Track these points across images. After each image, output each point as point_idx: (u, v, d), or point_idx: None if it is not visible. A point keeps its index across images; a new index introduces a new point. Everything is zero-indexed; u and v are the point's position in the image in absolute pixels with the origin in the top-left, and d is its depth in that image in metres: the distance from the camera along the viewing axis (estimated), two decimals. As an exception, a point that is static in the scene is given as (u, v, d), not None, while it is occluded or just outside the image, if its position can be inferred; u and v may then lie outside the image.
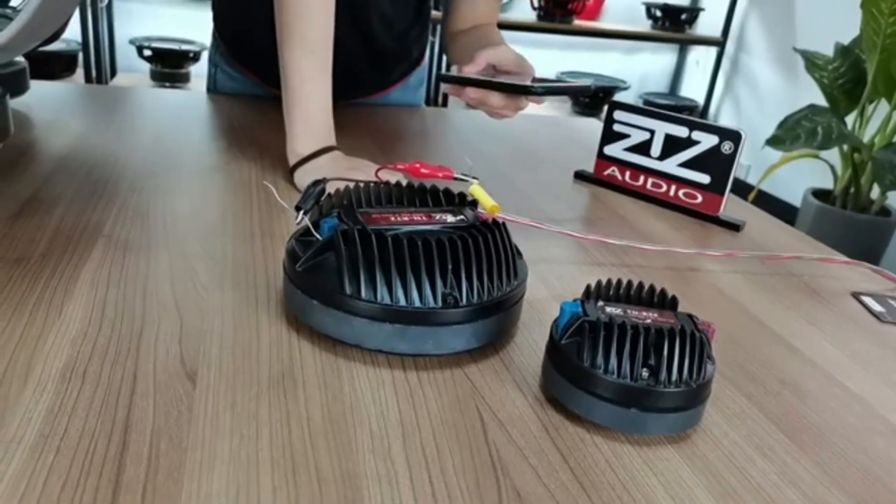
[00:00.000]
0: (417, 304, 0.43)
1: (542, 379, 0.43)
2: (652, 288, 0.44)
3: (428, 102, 2.95)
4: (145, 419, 0.36)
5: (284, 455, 0.35)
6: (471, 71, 0.75)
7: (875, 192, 2.03)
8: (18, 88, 0.88)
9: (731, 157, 0.75)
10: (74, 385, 0.38)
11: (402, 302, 0.42)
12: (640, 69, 3.30)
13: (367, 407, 0.39)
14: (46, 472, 0.32)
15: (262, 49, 0.78)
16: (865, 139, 2.01)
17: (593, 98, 3.00)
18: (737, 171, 0.76)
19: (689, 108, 3.16)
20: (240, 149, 0.82)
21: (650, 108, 0.81)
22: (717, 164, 0.76)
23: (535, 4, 2.87)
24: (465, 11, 0.93)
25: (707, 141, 0.76)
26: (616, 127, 0.82)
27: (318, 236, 0.45)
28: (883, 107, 2.01)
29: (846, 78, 2.06)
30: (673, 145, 0.78)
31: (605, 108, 0.84)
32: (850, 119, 2.06)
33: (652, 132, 0.80)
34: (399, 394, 0.41)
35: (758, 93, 2.91)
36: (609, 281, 0.45)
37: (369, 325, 0.43)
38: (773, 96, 2.74)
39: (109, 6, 2.74)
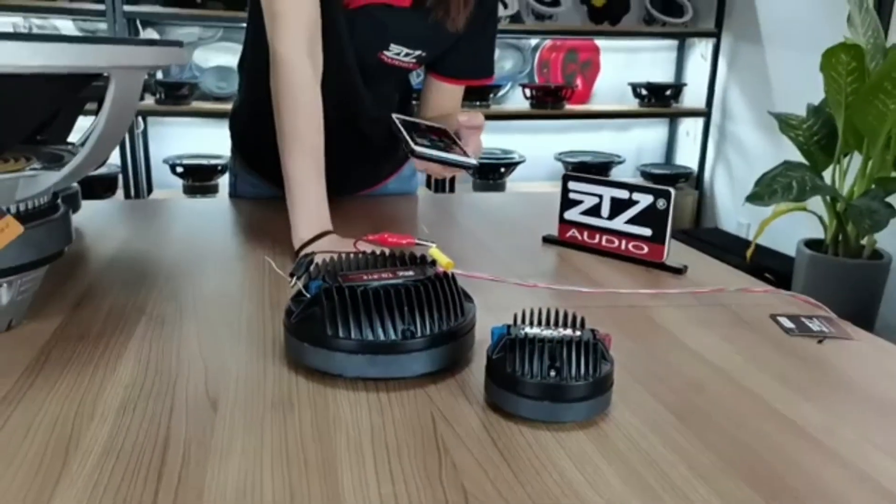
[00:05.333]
0: (382, 337, 0.55)
1: (485, 391, 0.55)
2: (566, 313, 0.57)
3: (432, 187, 3.14)
4: (179, 432, 0.49)
5: (281, 451, 0.47)
6: (462, 119, 0.92)
7: (865, 238, 2.12)
8: (73, 207, 1.06)
9: (666, 212, 0.88)
10: (127, 416, 0.51)
11: (371, 337, 0.55)
12: (635, 143, 3.49)
13: (346, 417, 0.52)
14: (111, 470, 0.45)
15: (273, 159, 0.94)
16: (846, 189, 2.13)
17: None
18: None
19: (684, 175, 3.32)
20: (256, 241, 0.97)
21: (595, 176, 0.95)
22: (655, 218, 0.89)
23: (528, 94, 3.11)
24: (432, 101, 1.10)
25: (644, 200, 0.89)
26: (571, 195, 0.96)
27: (307, 295, 0.59)
28: (857, 158, 2.14)
29: (821, 135, 2.20)
30: (618, 206, 0.92)
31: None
32: (829, 172, 2.19)
33: (600, 197, 0.94)
34: (371, 407, 0.53)
35: (746, 155, 3.06)
36: (532, 310, 0.57)
37: (347, 358, 0.56)
38: (760, 157, 2.89)
39: (145, 131, 3.04)
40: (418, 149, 0.84)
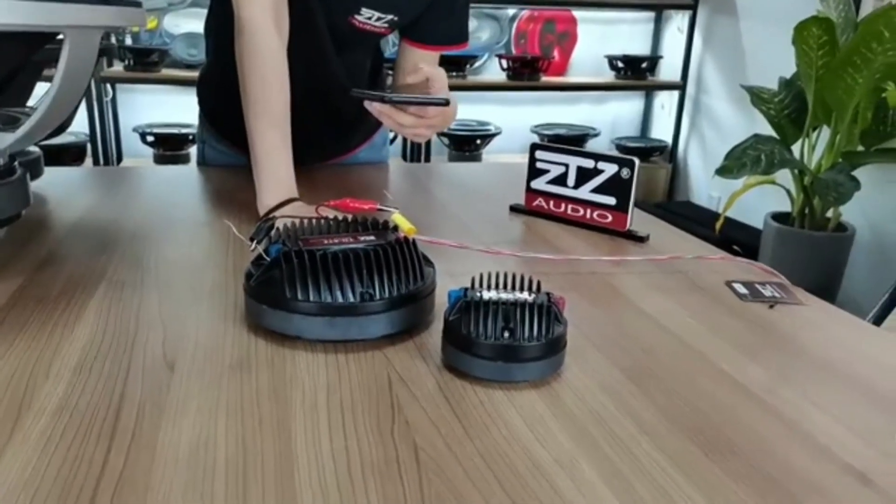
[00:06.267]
0: (341, 300, 0.56)
1: (441, 353, 0.56)
2: (522, 277, 0.57)
3: (407, 158, 3.13)
4: (135, 392, 0.49)
5: (236, 409, 0.48)
6: (411, 80, 0.95)
7: (831, 211, 2.17)
8: (34, 173, 1.04)
9: (630, 181, 0.89)
10: (83, 375, 0.51)
11: (329, 299, 0.56)
12: (611, 116, 3.50)
13: (303, 376, 0.52)
14: (63, 427, 0.45)
15: (241, 125, 0.93)
16: (814, 163, 2.16)
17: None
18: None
19: (659, 148, 3.34)
20: (223, 208, 0.97)
21: (562, 145, 0.95)
22: (619, 187, 0.90)
23: (504, 65, 3.09)
24: (407, 68, 1.09)
25: (609, 169, 0.90)
26: (538, 164, 0.97)
27: (267, 258, 0.59)
28: (826, 132, 2.17)
29: (791, 108, 2.23)
30: (584, 175, 0.93)
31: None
32: (798, 145, 2.22)
33: (566, 166, 0.94)
34: (329, 367, 0.54)
35: (719, 128, 3.09)
36: (490, 274, 0.58)
37: (306, 320, 0.56)
38: (732, 130, 2.92)
39: (114, 99, 2.97)
40: (389, 94, 0.87)
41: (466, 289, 0.56)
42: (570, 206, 0.95)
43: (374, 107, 0.89)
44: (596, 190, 0.92)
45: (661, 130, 3.44)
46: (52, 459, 0.42)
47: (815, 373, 0.57)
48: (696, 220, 2.75)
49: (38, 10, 0.54)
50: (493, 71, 3.23)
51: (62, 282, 0.69)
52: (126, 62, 2.79)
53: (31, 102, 0.96)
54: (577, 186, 0.94)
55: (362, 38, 1.05)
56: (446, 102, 0.87)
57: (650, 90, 3.48)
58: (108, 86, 2.90)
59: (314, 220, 0.65)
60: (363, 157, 1.28)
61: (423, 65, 0.96)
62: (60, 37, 0.62)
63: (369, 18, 1.02)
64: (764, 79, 2.45)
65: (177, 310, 0.63)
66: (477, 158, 3.14)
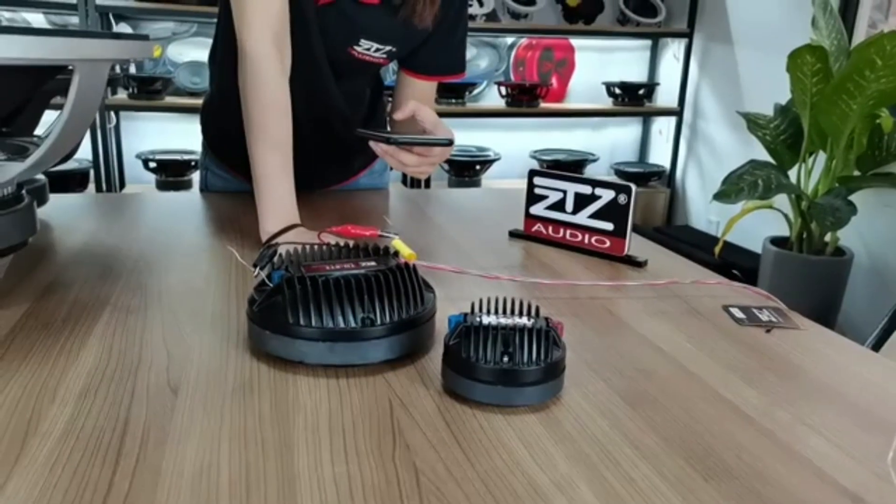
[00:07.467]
0: (342, 325, 0.57)
1: (441, 377, 0.57)
2: (521, 302, 0.58)
3: (407, 184, 3.15)
4: (139, 416, 0.50)
5: (239, 433, 0.48)
6: (398, 116, 0.94)
7: (829, 235, 2.18)
8: (39, 201, 1.06)
9: (627, 207, 0.90)
10: (88, 400, 0.52)
11: (331, 324, 0.57)
12: (609, 142, 3.54)
13: (305, 401, 0.53)
14: (69, 451, 0.46)
15: (243, 152, 0.95)
16: (810, 188, 2.18)
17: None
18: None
19: (657, 173, 3.37)
20: (225, 234, 0.98)
21: (560, 172, 0.97)
22: (617, 213, 0.91)
23: (504, 92, 3.13)
24: (405, 97, 1.11)
25: (606, 195, 0.92)
26: (537, 190, 0.98)
27: (269, 284, 0.60)
28: (822, 157, 2.20)
29: (787, 134, 2.26)
30: (581, 201, 0.94)
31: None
32: (795, 170, 2.24)
33: (564, 192, 0.96)
34: (330, 392, 0.55)
35: (716, 153, 3.12)
36: (489, 299, 0.59)
37: (308, 345, 0.57)
38: (729, 155, 2.95)
39: (117, 126, 3.01)
40: (394, 136, 0.88)
41: (466, 314, 0.57)
42: (568, 232, 0.96)
43: (378, 147, 0.91)
44: (594, 215, 0.93)
45: (660, 155, 3.48)
46: (58, 482, 0.43)
47: (811, 396, 0.58)
48: (696, 245, 2.77)
49: (52, 45, 0.55)
50: (493, 98, 3.27)
51: (67, 307, 0.70)
52: (130, 90, 2.83)
53: (38, 131, 0.98)
54: (575, 212, 0.95)
55: (361, 67, 1.08)
56: (450, 143, 0.89)
57: (648, 116, 3.52)
58: (112, 113, 2.93)
59: (316, 247, 0.66)
60: (364, 183, 1.30)
61: (412, 103, 0.95)
62: (70, 68, 0.63)
63: (368, 49, 1.04)
64: (759, 105, 2.48)
65: (180, 335, 0.64)
66: (476, 184, 3.17)
